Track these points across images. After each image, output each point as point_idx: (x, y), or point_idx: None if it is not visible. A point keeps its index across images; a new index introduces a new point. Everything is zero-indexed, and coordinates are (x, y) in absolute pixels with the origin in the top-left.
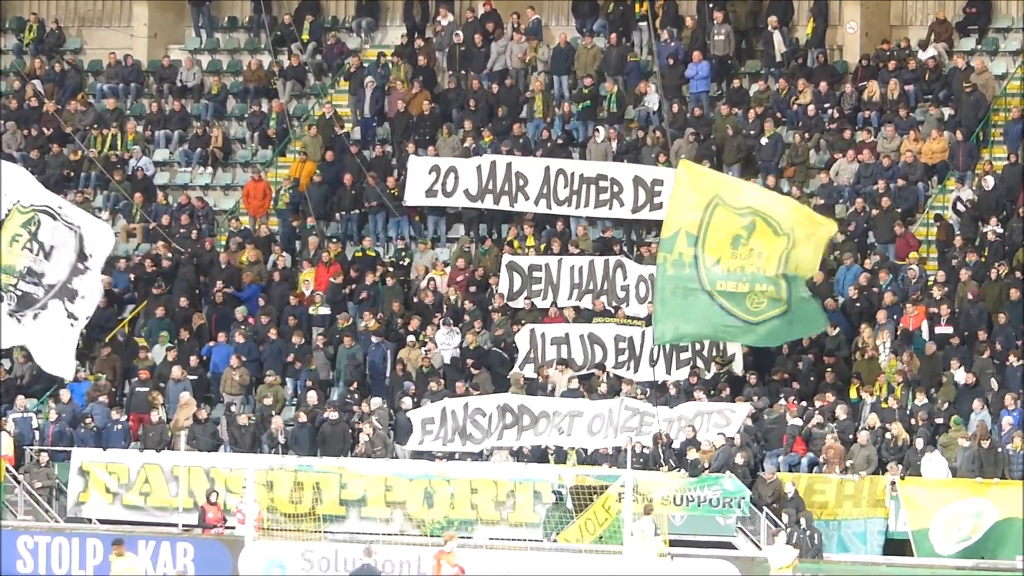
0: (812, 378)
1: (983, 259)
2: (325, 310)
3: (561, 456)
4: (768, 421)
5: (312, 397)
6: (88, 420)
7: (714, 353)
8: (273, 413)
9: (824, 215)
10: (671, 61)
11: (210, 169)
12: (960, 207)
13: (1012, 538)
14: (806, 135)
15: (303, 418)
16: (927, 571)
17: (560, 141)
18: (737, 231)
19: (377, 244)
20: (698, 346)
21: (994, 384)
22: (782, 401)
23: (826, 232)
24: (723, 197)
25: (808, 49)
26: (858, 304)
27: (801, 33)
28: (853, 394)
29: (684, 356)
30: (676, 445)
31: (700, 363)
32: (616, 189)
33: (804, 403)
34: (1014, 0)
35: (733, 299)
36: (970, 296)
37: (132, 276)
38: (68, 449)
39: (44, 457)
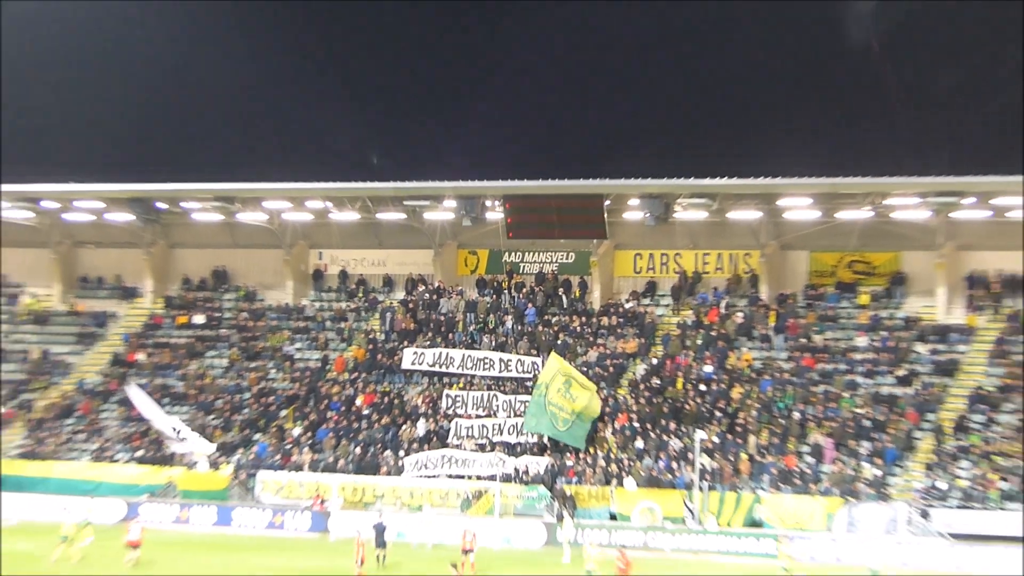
0: None
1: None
2: None
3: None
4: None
5: None
6: None
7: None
8: None
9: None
10: None
11: None
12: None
13: None
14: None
15: None
16: None
17: None
18: (559, 385)
19: None
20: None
21: None
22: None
23: (597, 404)
24: (562, 372)
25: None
26: None
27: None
28: None
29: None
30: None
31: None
32: None
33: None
34: (668, 279)
35: (553, 415)
36: None
37: None
38: None
39: None
